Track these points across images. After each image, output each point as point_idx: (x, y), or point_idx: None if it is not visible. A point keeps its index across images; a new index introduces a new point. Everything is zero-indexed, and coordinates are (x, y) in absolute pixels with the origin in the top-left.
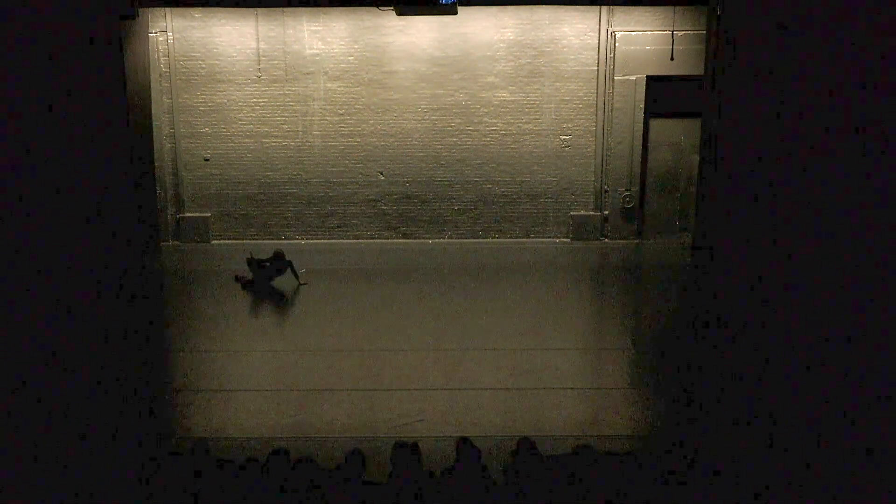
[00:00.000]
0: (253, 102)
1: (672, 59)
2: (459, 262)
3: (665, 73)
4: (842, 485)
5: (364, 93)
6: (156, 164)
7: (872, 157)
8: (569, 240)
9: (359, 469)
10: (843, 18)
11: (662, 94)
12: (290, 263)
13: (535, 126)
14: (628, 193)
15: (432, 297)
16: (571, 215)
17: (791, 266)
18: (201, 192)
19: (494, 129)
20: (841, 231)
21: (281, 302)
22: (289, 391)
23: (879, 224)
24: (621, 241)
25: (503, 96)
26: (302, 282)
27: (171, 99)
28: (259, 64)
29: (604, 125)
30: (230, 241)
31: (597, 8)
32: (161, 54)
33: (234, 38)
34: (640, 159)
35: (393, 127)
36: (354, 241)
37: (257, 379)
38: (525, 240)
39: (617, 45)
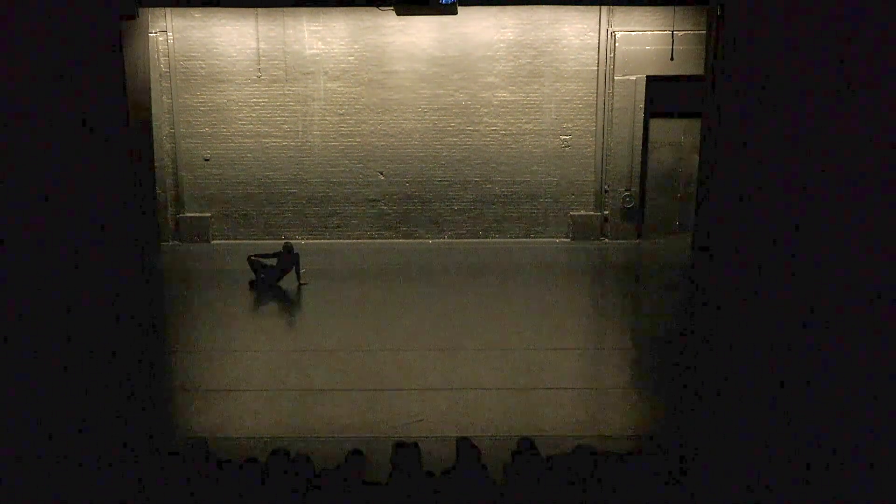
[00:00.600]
0: (253, 102)
1: (672, 59)
2: (459, 262)
3: (665, 73)
4: (842, 484)
5: (364, 93)
6: (156, 164)
7: (872, 157)
8: (569, 240)
9: (359, 469)
10: (843, 18)
11: (662, 94)
12: (297, 257)
13: (535, 126)
14: (628, 193)
15: (432, 297)
16: (571, 215)
17: (790, 266)
18: (201, 192)
19: (494, 129)
20: (841, 231)
21: (285, 302)
22: (289, 391)
23: (879, 224)
24: (621, 241)
25: (503, 96)
26: (302, 282)
27: (171, 99)
28: (259, 64)
29: (604, 125)
30: (230, 241)
31: (597, 8)
32: (161, 54)
33: (234, 38)
34: (640, 159)
35: (393, 127)
36: (354, 241)
37: (257, 379)
38: (525, 240)
39: (617, 45)
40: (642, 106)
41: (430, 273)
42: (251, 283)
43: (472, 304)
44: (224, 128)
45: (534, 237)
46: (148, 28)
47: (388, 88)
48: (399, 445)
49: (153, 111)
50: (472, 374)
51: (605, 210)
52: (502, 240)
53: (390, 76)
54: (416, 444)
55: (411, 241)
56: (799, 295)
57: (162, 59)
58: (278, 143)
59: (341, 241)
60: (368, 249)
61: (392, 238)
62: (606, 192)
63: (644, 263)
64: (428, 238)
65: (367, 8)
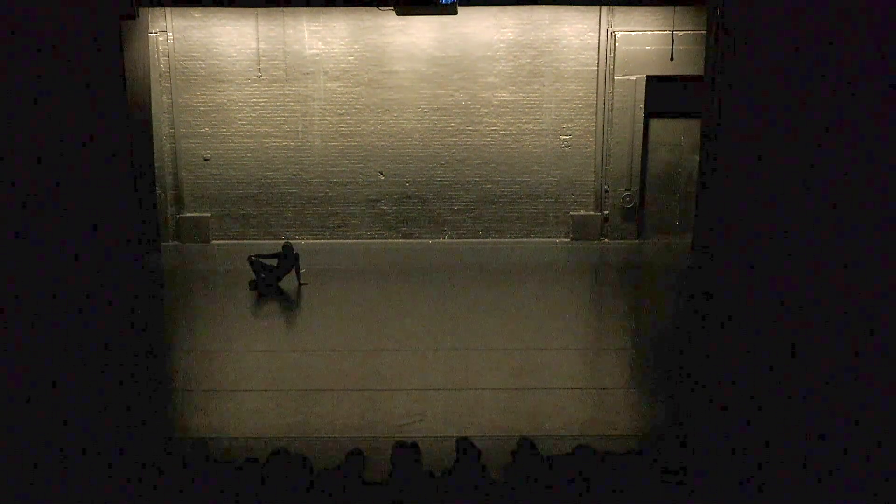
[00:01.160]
0: (253, 102)
1: (672, 59)
2: (459, 262)
3: (665, 73)
4: (841, 484)
5: (364, 93)
6: (156, 164)
7: (872, 157)
8: (569, 240)
9: (359, 469)
10: (843, 18)
11: (662, 94)
12: (297, 258)
13: (535, 126)
14: (628, 193)
15: (432, 297)
16: (571, 215)
17: (790, 266)
18: (201, 192)
19: (494, 129)
20: (840, 231)
21: (287, 302)
22: (289, 391)
23: (879, 223)
24: (621, 241)
25: (503, 96)
26: (302, 282)
27: (171, 99)
28: (259, 64)
29: (604, 125)
30: (230, 241)
31: (597, 8)
32: (161, 54)
33: (234, 38)
34: (640, 159)
35: (393, 127)
36: (354, 241)
37: (257, 379)
38: (525, 240)
39: (617, 45)
40: (642, 106)
41: (429, 273)
42: (251, 283)
43: (472, 303)
44: (224, 128)
45: (534, 237)
46: (148, 28)
47: (388, 88)
48: (399, 445)
49: (153, 111)
50: (472, 374)
51: (605, 210)
52: (502, 240)
53: (390, 76)
54: (416, 444)
55: (411, 241)
56: (799, 295)
57: (162, 59)
58: (278, 143)
59: (341, 241)
60: (368, 249)
61: (392, 238)
62: (606, 192)
63: (644, 263)
64: (428, 238)
65: (367, 8)
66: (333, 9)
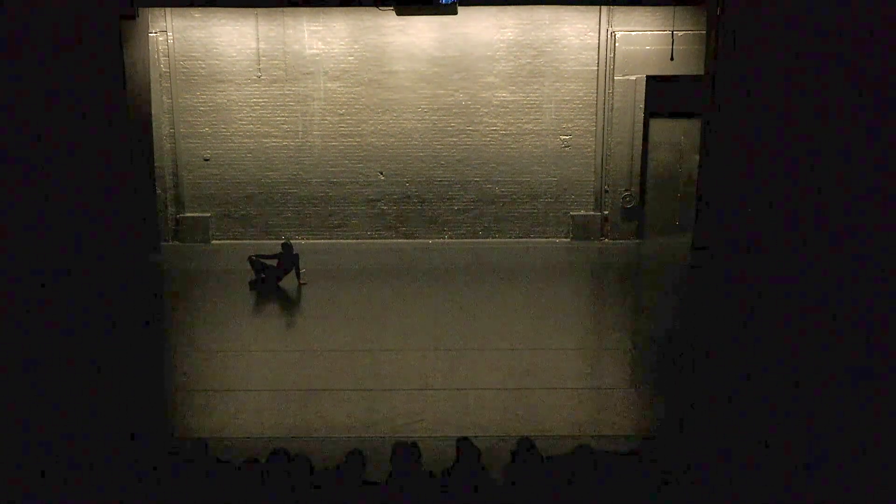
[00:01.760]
0: (253, 102)
1: (672, 59)
2: (459, 262)
3: (665, 73)
4: (841, 484)
5: (364, 93)
6: (156, 164)
7: (872, 157)
8: (569, 240)
9: (359, 469)
10: (843, 19)
11: (662, 94)
12: (297, 257)
13: (535, 126)
14: (628, 193)
15: (432, 297)
16: (571, 215)
17: (790, 266)
18: (201, 192)
19: (494, 129)
20: (840, 230)
21: (287, 302)
22: (289, 391)
23: (879, 223)
24: (621, 241)
25: (503, 96)
26: (302, 282)
27: (171, 99)
28: (259, 64)
29: (604, 125)
30: (230, 241)
31: (597, 8)
32: (161, 54)
33: (234, 38)
34: (640, 159)
35: (393, 127)
36: (354, 241)
37: (257, 379)
38: (525, 240)
39: (617, 45)
40: (642, 106)
41: (429, 273)
42: (251, 283)
43: (472, 303)
44: (224, 128)
45: (534, 237)
46: (148, 28)
47: (388, 88)
48: (399, 445)
49: (153, 111)
50: (472, 374)
51: (605, 210)
52: (502, 240)
53: (390, 76)
54: (416, 444)
55: (411, 241)
56: (798, 294)
57: (162, 59)
58: (278, 143)
59: (341, 241)
60: (368, 249)
61: (392, 238)
62: (606, 192)
63: (644, 263)
64: (428, 238)
65: (367, 8)
66: (333, 9)
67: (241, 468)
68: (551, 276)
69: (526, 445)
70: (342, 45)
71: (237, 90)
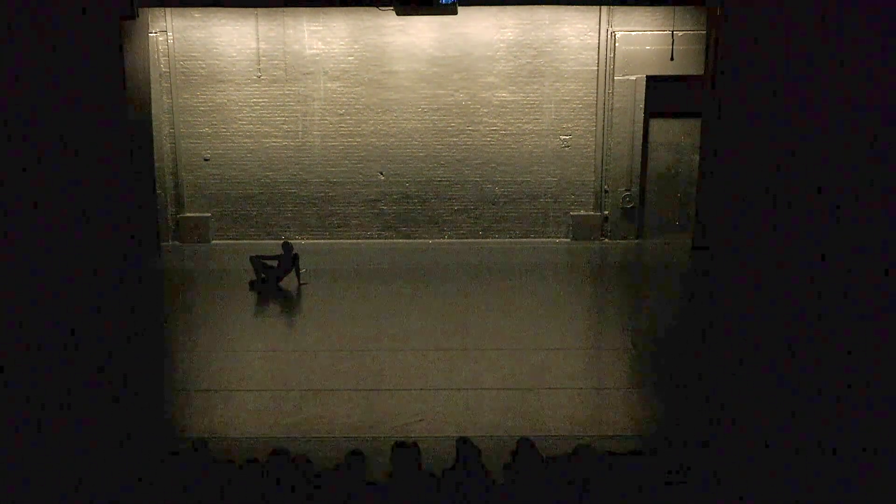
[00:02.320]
0: (253, 102)
1: (672, 59)
2: (459, 262)
3: (665, 73)
4: (841, 484)
5: (364, 93)
6: (156, 164)
7: (872, 157)
8: (569, 240)
9: (359, 469)
10: (843, 19)
11: (662, 94)
12: (297, 257)
13: (535, 126)
14: (628, 193)
15: (432, 297)
16: (571, 215)
17: (790, 266)
18: (201, 192)
19: (494, 129)
20: (840, 230)
21: (287, 302)
22: (289, 391)
23: (879, 223)
24: (621, 241)
25: (503, 96)
26: (302, 282)
27: (171, 99)
28: (259, 64)
29: (604, 125)
30: (230, 241)
31: (597, 8)
32: (161, 54)
33: (234, 38)
34: (640, 159)
35: (393, 127)
36: (354, 241)
37: (257, 379)
38: (525, 240)
39: (617, 45)
40: (642, 106)
41: (429, 273)
42: (251, 283)
43: (472, 304)
44: (224, 128)
45: (534, 237)
46: (148, 28)
47: (388, 88)
48: (399, 445)
49: (153, 111)
50: (472, 374)
51: (605, 210)
52: (502, 240)
53: (390, 76)
54: (416, 444)
55: (411, 241)
56: (798, 294)
57: (162, 59)
58: (278, 143)
59: (341, 241)
60: (368, 249)
61: (392, 238)
62: (606, 192)
63: (644, 263)
64: (428, 238)
65: (367, 8)
66: (333, 9)
67: (241, 468)
68: (551, 276)
69: (526, 445)
70: (342, 45)
71: (237, 90)
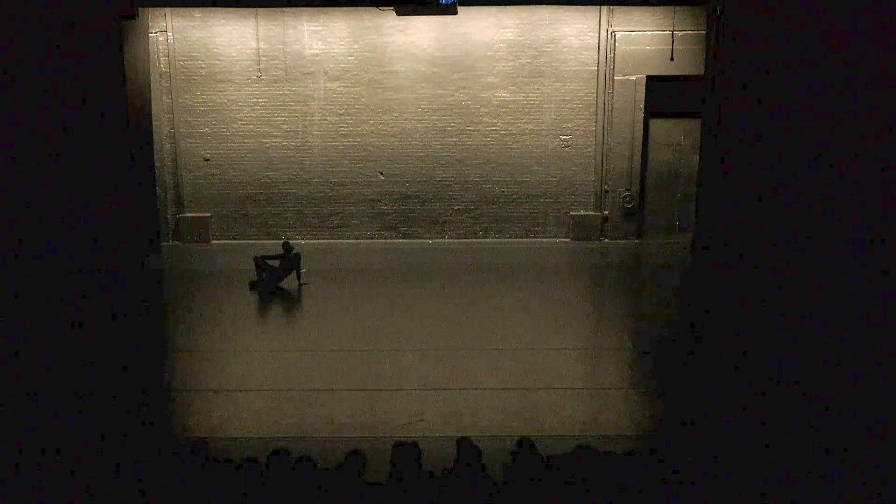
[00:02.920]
0: (253, 102)
1: (672, 59)
2: (459, 262)
3: (665, 73)
4: (841, 484)
5: (364, 93)
6: (156, 164)
7: (872, 157)
8: (569, 240)
9: (359, 469)
10: (843, 19)
11: (662, 94)
12: (298, 257)
13: (535, 126)
14: (628, 193)
15: (432, 297)
16: (571, 215)
17: (790, 266)
18: (201, 192)
19: (494, 129)
20: (840, 230)
21: (287, 302)
22: (289, 391)
23: (879, 223)
24: (621, 241)
25: (503, 96)
26: (302, 282)
27: (171, 99)
28: (259, 64)
29: (604, 125)
30: (230, 241)
31: (597, 8)
32: (161, 54)
33: (234, 38)
34: (640, 159)
35: (393, 127)
36: (354, 241)
37: (257, 379)
38: (525, 240)
39: (617, 45)
40: (642, 106)
41: (429, 273)
42: (251, 283)
43: (472, 304)
44: (224, 128)
45: (534, 237)
46: (148, 28)
47: (388, 88)
48: (399, 445)
49: (153, 111)
50: (472, 374)
51: (605, 210)
52: (502, 240)
53: (390, 76)
54: (416, 444)
55: (411, 241)
56: (799, 294)
57: (162, 59)
58: (278, 143)
59: (341, 241)
60: (368, 249)
61: (392, 238)
62: (606, 192)
63: (644, 263)
64: (428, 238)
65: (367, 8)
66: (333, 9)
67: (241, 468)
68: (551, 276)
69: (526, 445)
70: (342, 45)
71: (237, 90)
